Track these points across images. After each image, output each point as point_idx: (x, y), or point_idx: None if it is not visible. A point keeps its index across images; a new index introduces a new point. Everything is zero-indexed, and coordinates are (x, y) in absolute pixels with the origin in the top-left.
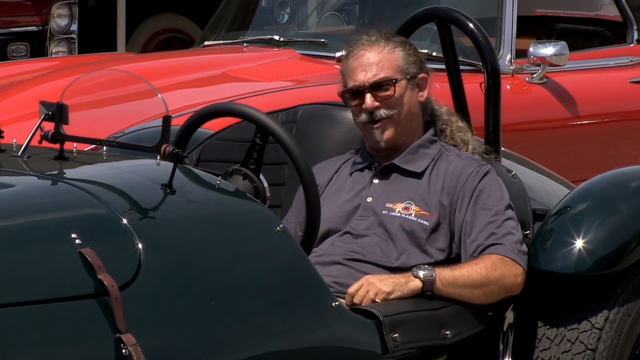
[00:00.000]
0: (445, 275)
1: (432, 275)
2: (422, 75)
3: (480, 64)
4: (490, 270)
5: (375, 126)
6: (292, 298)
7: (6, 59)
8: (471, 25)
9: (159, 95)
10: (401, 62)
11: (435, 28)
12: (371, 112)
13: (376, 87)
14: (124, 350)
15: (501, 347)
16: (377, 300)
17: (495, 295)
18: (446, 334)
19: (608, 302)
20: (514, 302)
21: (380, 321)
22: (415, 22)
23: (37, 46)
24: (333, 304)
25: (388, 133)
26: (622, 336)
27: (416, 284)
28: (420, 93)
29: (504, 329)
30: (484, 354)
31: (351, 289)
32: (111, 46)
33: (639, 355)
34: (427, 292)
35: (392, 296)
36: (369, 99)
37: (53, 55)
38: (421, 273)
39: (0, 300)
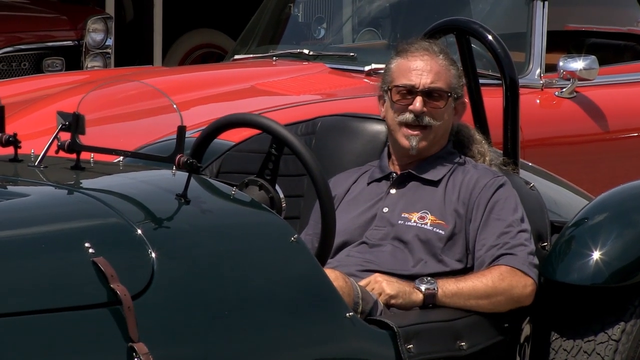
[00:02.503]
0: (449, 287)
1: (434, 289)
2: (464, 100)
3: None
4: (497, 281)
5: (415, 133)
6: (307, 309)
7: (42, 74)
8: (490, 37)
9: (174, 105)
10: (453, 81)
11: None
12: (418, 115)
13: (430, 93)
14: (136, 359)
15: (518, 359)
16: (378, 300)
17: (504, 306)
18: (461, 345)
19: (625, 314)
20: (530, 314)
21: (395, 332)
22: (434, 34)
23: (73, 61)
24: (347, 314)
25: (423, 143)
26: (638, 348)
27: (418, 296)
28: (456, 117)
29: (521, 341)
30: None
31: (360, 283)
32: (148, 61)
33: None
34: (429, 305)
35: (393, 301)
36: (419, 102)
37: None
38: (423, 287)
39: (14, 309)
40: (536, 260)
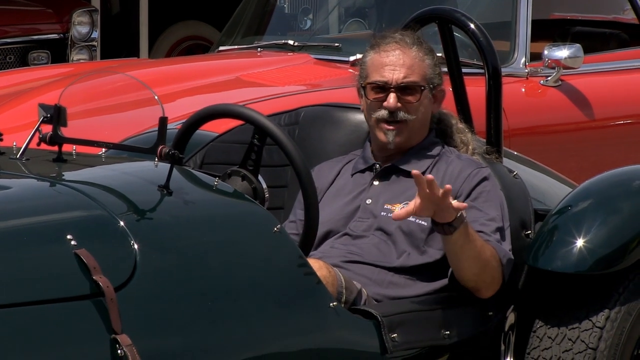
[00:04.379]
0: (473, 233)
1: (464, 220)
2: (441, 88)
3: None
4: (491, 258)
5: (391, 127)
6: (290, 299)
7: (27, 67)
8: (472, 25)
9: (155, 97)
10: (428, 71)
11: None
12: (392, 111)
13: (403, 89)
14: (119, 351)
15: (502, 347)
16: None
17: (484, 284)
18: (446, 334)
19: (609, 301)
20: (514, 302)
21: (379, 322)
22: (416, 23)
23: (58, 54)
24: (331, 304)
25: (400, 137)
26: (623, 335)
27: (451, 214)
28: (435, 105)
29: (506, 329)
30: (485, 354)
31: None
32: (134, 54)
33: None
34: (456, 224)
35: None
36: (392, 98)
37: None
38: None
39: None
40: (509, 259)
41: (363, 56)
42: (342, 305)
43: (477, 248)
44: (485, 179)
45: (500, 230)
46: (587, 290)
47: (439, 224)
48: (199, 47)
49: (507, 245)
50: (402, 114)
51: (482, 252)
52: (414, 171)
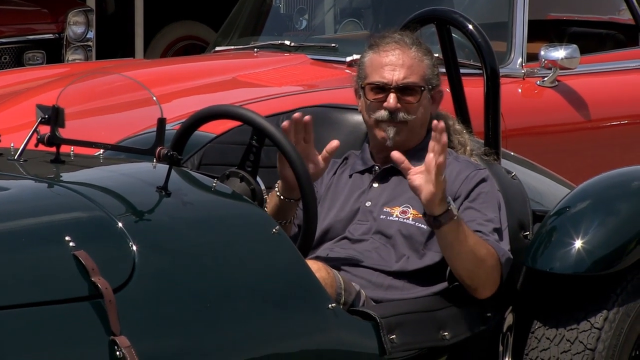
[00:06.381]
0: (464, 226)
1: (455, 215)
2: (439, 89)
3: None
4: (488, 256)
5: (391, 124)
6: (289, 300)
7: (22, 67)
8: (470, 26)
9: (154, 97)
10: (427, 72)
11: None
12: (393, 112)
13: (403, 89)
14: (118, 353)
15: (501, 348)
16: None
17: (479, 280)
18: (444, 335)
19: (607, 302)
20: (513, 304)
21: (378, 323)
22: (414, 24)
23: (54, 54)
24: (330, 305)
25: (400, 136)
26: (621, 336)
27: (442, 207)
28: (434, 106)
29: (504, 330)
30: (483, 355)
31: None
32: (130, 54)
33: (639, 356)
34: (443, 219)
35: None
36: (392, 99)
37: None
38: (452, 206)
39: None
40: (508, 258)
41: (361, 56)
42: (341, 306)
43: (470, 245)
44: (483, 180)
45: (498, 231)
46: (585, 291)
47: (427, 216)
48: (195, 47)
49: (505, 246)
50: (402, 115)
51: (477, 250)
52: (436, 122)
